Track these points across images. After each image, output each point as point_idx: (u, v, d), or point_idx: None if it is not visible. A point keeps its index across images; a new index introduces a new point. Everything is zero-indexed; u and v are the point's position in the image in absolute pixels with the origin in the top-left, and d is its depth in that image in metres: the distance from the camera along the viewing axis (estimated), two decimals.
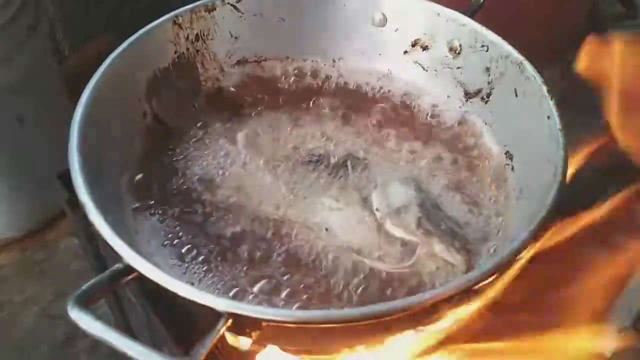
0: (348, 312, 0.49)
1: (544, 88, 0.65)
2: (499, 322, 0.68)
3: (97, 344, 1.25)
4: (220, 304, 0.47)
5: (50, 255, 1.38)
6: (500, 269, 0.52)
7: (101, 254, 0.79)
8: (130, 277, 0.50)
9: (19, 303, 1.32)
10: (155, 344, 0.55)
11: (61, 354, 1.26)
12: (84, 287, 0.48)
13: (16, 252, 1.39)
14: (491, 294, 0.71)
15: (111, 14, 1.62)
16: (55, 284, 1.34)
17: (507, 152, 0.70)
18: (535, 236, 0.53)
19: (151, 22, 0.72)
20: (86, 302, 0.48)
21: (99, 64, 0.66)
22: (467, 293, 0.55)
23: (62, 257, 1.38)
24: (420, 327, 0.56)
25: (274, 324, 0.49)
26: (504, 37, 0.72)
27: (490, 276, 0.52)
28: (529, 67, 0.68)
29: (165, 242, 0.63)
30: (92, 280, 0.49)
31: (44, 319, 1.30)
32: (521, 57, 0.69)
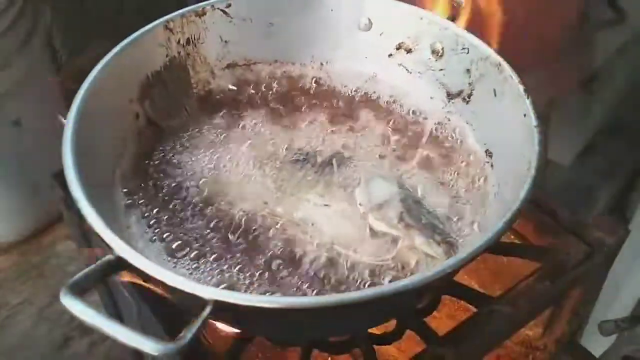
0: (330, 298, 0.51)
1: (521, 87, 0.67)
2: (480, 313, 0.70)
3: (93, 346, 1.28)
4: (206, 291, 0.49)
5: (48, 258, 1.41)
6: (477, 256, 0.54)
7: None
8: (121, 268, 0.53)
9: (17, 305, 1.34)
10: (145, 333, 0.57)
11: (58, 356, 1.28)
12: (77, 276, 0.51)
13: (14, 255, 1.41)
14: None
15: (109, 21, 1.65)
16: (52, 286, 1.36)
17: (487, 150, 0.72)
18: (509, 227, 0.56)
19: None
20: (79, 291, 0.50)
21: None
22: (445, 280, 0.58)
23: (59, 260, 1.40)
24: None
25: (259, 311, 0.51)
26: (492, 43, 0.75)
27: (467, 263, 0.53)
28: (507, 67, 0.70)
29: (156, 239, 0.65)
30: (85, 270, 0.51)
31: (41, 321, 1.32)
32: (499, 59, 0.71)
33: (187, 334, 0.47)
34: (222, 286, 0.61)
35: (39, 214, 1.40)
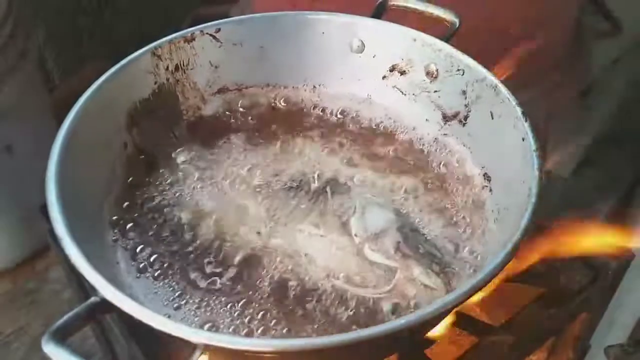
0: (326, 339, 0.48)
1: (519, 110, 0.65)
2: (483, 342, 0.68)
3: None
4: (195, 336, 0.47)
5: (41, 284, 1.38)
6: (477, 290, 0.52)
7: (84, 284, 0.79)
8: (106, 310, 0.50)
9: (11, 333, 1.32)
10: None
11: None
12: (60, 321, 0.49)
13: (7, 282, 1.38)
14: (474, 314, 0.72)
15: (102, 42, 1.64)
16: (46, 313, 1.33)
17: (485, 174, 0.70)
18: (512, 257, 0.54)
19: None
20: (62, 336, 0.48)
21: None
22: (444, 315, 0.55)
23: (53, 286, 1.38)
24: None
25: (251, 354, 0.49)
26: (487, 59, 0.73)
27: (467, 298, 0.52)
28: (503, 89, 0.68)
29: (144, 274, 0.63)
30: (69, 314, 0.49)
31: (35, 350, 1.29)
32: (496, 80, 0.69)
33: None
34: (209, 325, 0.58)
35: (31, 240, 1.38)
